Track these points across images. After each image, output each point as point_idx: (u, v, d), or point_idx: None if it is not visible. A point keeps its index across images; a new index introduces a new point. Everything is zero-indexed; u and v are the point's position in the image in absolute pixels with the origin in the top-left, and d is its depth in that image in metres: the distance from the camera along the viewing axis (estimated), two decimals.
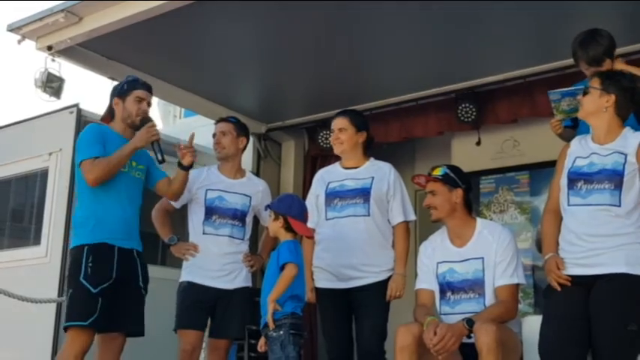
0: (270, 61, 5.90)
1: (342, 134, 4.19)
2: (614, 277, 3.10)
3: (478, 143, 6.34)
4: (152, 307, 4.20)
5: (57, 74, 5.55)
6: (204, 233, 4.30)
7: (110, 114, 4.04)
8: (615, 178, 3.17)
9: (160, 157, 3.97)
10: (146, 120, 4.00)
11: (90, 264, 3.72)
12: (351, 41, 5.38)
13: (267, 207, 3.83)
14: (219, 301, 4.22)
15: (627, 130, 3.30)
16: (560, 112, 3.64)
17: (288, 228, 3.68)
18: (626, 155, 3.19)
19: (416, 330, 3.39)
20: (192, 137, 4.06)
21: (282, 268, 3.55)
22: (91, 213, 3.84)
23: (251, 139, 6.96)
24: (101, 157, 3.77)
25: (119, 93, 4.00)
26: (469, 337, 3.34)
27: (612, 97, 3.26)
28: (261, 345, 3.62)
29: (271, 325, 3.50)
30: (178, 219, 4.55)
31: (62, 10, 5.12)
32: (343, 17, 5.00)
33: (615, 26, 3.89)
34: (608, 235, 3.16)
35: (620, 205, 3.16)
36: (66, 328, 3.73)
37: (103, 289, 3.70)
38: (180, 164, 4.05)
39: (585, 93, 3.34)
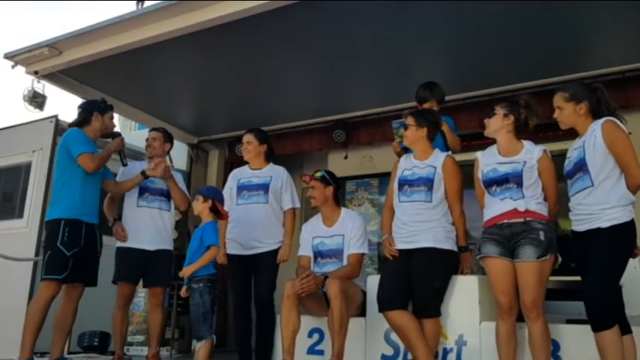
0: (202, 93, 5.77)
1: (249, 145, 4.15)
2: (425, 250, 3.20)
3: (346, 157, 6.39)
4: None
5: (41, 92, 5.23)
6: (138, 206, 4.11)
7: (83, 122, 3.83)
8: (428, 183, 3.27)
9: (124, 162, 3.97)
10: (117, 133, 3.97)
11: (66, 234, 3.56)
12: (260, 81, 5.33)
13: (199, 192, 3.68)
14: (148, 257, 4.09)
15: (437, 151, 3.41)
16: (399, 136, 3.67)
17: (211, 210, 3.58)
18: (435, 168, 3.31)
19: None
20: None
21: (207, 247, 3.44)
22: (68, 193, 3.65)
23: (186, 147, 6.88)
24: (94, 153, 3.67)
25: (99, 109, 3.85)
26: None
27: (425, 129, 3.35)
28: (183, 291, 3.50)
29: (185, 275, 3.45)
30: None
31: (47, 45, 4.84)
32: (255, 65, 4.95)
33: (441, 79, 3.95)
34: (422, 222, 3.25)
35: (431, 201, 3.26)
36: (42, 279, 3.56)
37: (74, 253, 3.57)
38: (144, 172, 3.99)
39: (406, 128, 3.39)
